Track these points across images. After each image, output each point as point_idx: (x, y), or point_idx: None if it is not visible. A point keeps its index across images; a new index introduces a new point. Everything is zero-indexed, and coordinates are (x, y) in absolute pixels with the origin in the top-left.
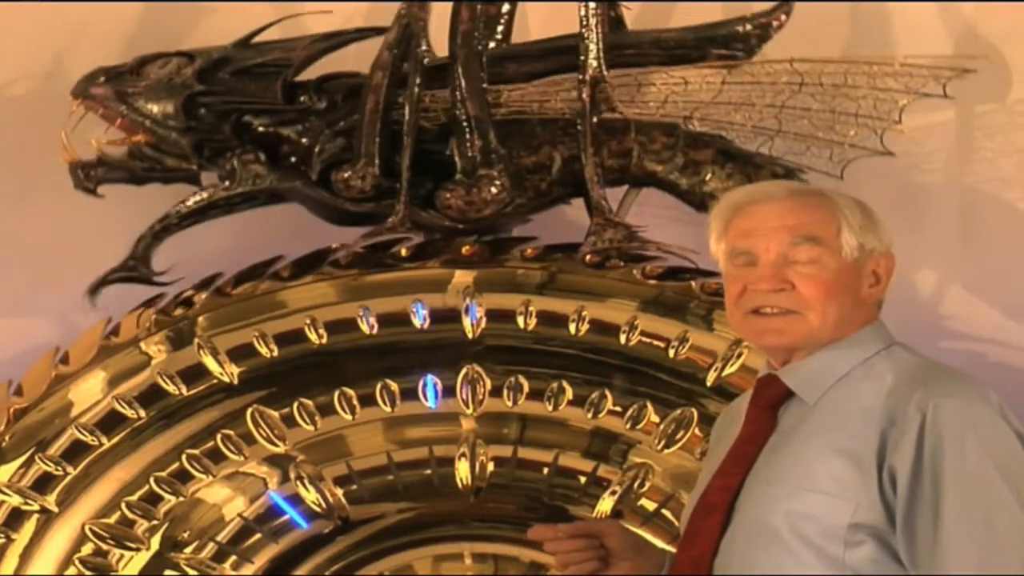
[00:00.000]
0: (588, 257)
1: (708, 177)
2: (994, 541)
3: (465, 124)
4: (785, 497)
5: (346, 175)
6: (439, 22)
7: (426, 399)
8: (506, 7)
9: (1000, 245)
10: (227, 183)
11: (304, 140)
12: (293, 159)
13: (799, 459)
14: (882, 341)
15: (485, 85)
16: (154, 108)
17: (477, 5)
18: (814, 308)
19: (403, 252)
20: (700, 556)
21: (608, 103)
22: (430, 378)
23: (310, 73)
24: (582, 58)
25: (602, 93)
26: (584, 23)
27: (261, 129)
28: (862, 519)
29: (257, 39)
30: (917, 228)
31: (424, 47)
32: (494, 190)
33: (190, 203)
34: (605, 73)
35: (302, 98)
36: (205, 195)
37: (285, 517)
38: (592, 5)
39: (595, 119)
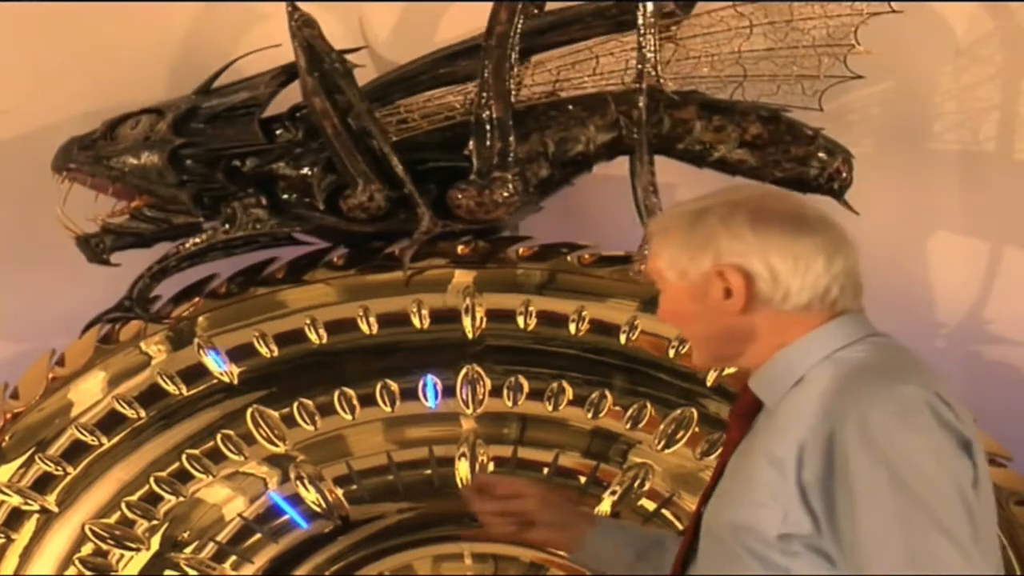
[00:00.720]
0: (642, 268)
1: (699, 133)
2: (915, 554)
3: (488, 125)
4: (729, 507)
5: (356, 201)
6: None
7: (426, 399)
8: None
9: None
10: (227, 226)
11: (300, 172)
12: (294, 194)
13: (746, 468)
14: (841, 339)
15: (512, 88)
16: (142, 168)
17: (518, 5)
18: (684, 335)
19: (461, 250)
20: (678, 561)
21: (568, 80)
22: (430, 378)
23: (277, 107)
24: (639, 65)
25: (656, 99)
26: (640, 30)
27: (252, 170)
28: (791, 530)
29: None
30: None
31: (334, 61)
32: (506, 193)
33: (189, 245)
34: (661, 80)
35: (278, 131)
36: (204, 237)
37: (285, 517)
38: (650, 7)
39: (652, 128)
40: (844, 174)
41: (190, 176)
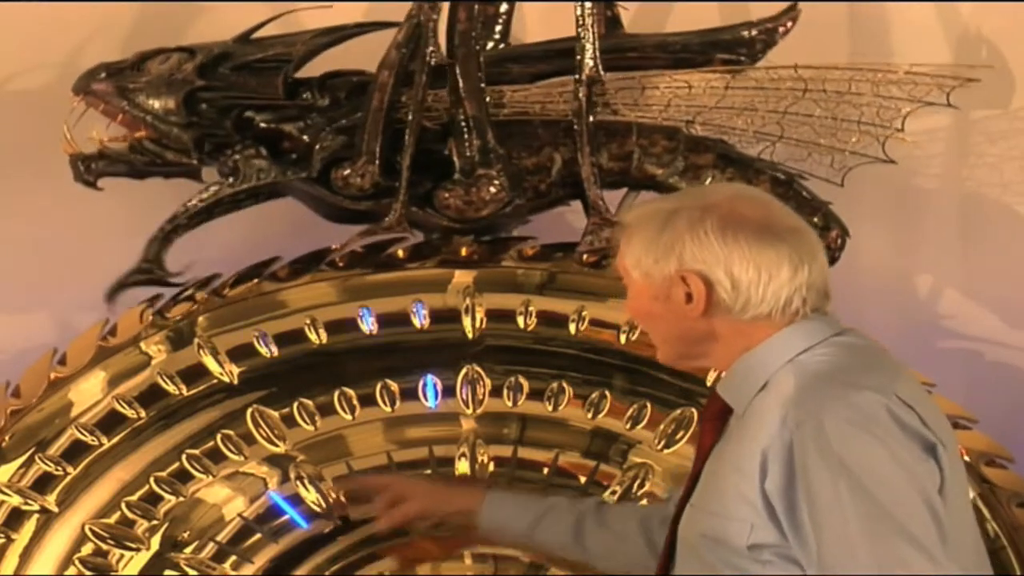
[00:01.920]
0: (584, 256)
1: (708, 181)
2: (882, 563)
3: (464, 124)
4: (700, 518)
5: (346, 172)
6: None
7: (426, 399)
8: (504, 7)
9: (1000, 249)
10: (231, 179)
11: (305, 137)
12: (293, 155)
13: (716, 477)
14: (803, 342)
15: (484, 85)
16: (155, 104)
17: (475, 5)
18: (648, 332)
19: (400, 254)
20: (660, 566)
21: (606, 104)
22: (430, 378)
23: (312, 70)
24: (578, 58)
25: (599, 93)
26: (580, 23)
27: (262, 125)
28: (759, 540)
29: (258, 34)
30: (917, 232)
31: (432, 48)
32: (493, 190)
33: (196, 202)
34: (601, 73)
35: (305, 94)
36: (211, 192)
37: (285, 517)
38: (588, 5)
39: (591, 118)
40: (836, 252)
41: (200, 119)
